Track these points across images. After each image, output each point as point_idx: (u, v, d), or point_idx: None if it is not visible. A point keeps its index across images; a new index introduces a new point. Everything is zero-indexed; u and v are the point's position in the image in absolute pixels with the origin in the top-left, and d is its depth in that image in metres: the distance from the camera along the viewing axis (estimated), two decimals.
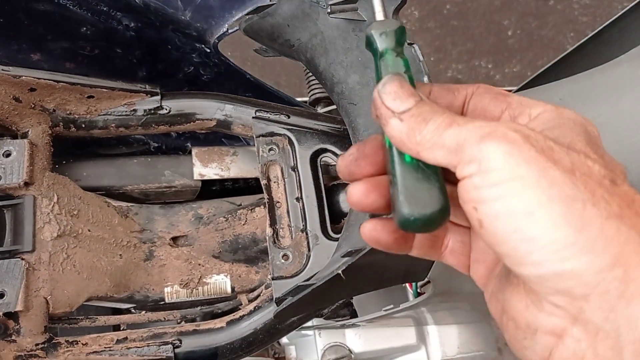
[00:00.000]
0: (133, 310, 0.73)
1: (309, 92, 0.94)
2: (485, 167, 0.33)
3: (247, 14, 0.53)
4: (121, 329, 0.77)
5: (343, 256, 0.42)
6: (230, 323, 0.62)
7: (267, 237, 0.63)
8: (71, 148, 0.76)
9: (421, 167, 0.37)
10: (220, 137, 0.87)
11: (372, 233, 0.41)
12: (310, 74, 0.92)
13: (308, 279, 0.58)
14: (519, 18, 2.07)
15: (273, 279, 0.60)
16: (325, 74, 0.52)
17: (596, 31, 0.87)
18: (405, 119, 0.37)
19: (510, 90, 1.39)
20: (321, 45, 0.51)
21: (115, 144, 0.84)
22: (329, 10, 0.48)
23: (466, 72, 1.98)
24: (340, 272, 0.42)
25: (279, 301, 0.59)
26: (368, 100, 0.49)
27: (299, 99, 0.98)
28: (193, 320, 0.74)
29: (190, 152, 0.75)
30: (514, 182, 0.33)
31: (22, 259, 0.58)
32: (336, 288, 0.46)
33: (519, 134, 0.34)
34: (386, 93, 0.38)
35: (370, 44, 0.40)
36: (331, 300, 0.55)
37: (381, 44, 0.39)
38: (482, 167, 0.33)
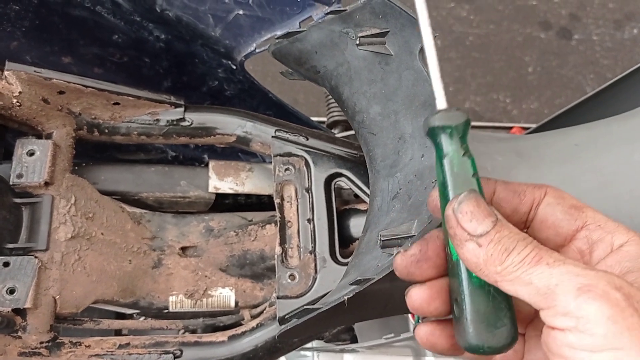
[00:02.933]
0: (136, 316, 0.74)
1: (327, 115, 0.96)
2: (583, 328, 0.32)
3: (277, 38, 0.55)
4: (122, 333, 0.78)
5: (352, 284, 0.42)
6: (231, 338, 0.63)
7: (275, 256, 0.63)
8: (90, 151, 0.78)
9: (492, 293, 0.36)
10: (237, 151, 0.89)
11: (430, 338, 0.40)
12: (331, 97, 0.93)
13: (313, 302, 0.59)
14: (540, 55, 2.08)
15: (278, 297, 0.61)
16: (348, 102, 0.53)
17: (617, 78, 0.88)
18: (484, 244, 0.35)
19: (527, 128, 1.39)
20: (346, 75, 0.52)
21: (133, 150, 0.86)
22: (357, 42, 0.50)
23: (484, 105, 1.99)
24: (346, 299, 0.42)
25: (282, 320, 0.59)
26: (387, 131, 0.50)
27: (316, 119, 0.99)
28: (194, 331, 0.74)
29: (207, 165, 0.76)
30: (615, 353, 0.32)
31: (36, 257, 0.59)
32: (341, 313, 0.47)
33: (621, 293, 0.32)
34: (462, 212, 0.36)
35: (432, 135, 0.38)
36: (335, 324, 0.55)
37: (446, 141, 0.37)
38: (579, 326, 0.32)
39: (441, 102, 0.38)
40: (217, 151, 0.88)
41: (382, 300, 0.52)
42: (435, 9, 2.10)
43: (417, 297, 0.39)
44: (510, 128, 1.50)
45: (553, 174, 0.58)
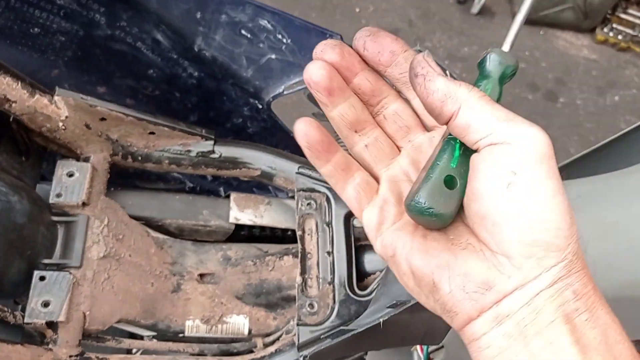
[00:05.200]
0: (147, 338, 0.76)
1: None
2: None
3: None
4: (133, 352, 0.79)
5: (389, 307, 0.46)
6: None
7: (296, 285, 0.67)
8: (113, 177, 0.81)
9: (463, 172, 0.39)
10: (252, 185, 0.93)
11: (310, 130, 0.43)
12: None
13: (332, 329, 0.62)
14: (527, 115, 2.16)
15: (298, 324, 0.64)
16: None
17: (603, 142, 0.95)
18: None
19: None
20: None
21: (154, 179, 0.89)
22: None
23: None
24: (381, 321, 0.46)
25: (301, 347, 0.62)
26: None
27: None
28: (206, 355, 0.77)
29: (227, 196, 0.80)
30: None
31: (70, 273, 0.62)
32: (367, 339, 0.50)
33: None
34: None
35: (482, 62, 0.41)
36: (358, 350, 0.59)
37: (492, 68, 0.41)
38: None
39: (507, 46, 0.42)
40: (233, 184, 0.91)
41: (401, 330, 0.55)
42: None
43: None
44: None
45: None
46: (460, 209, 0.39)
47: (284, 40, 0.72)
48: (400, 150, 0.46)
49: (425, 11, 2.41)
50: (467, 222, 0.40)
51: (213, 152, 0.73)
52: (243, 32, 0.73)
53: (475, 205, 0.38)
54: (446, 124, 0.39)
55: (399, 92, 0.46)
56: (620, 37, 2.38)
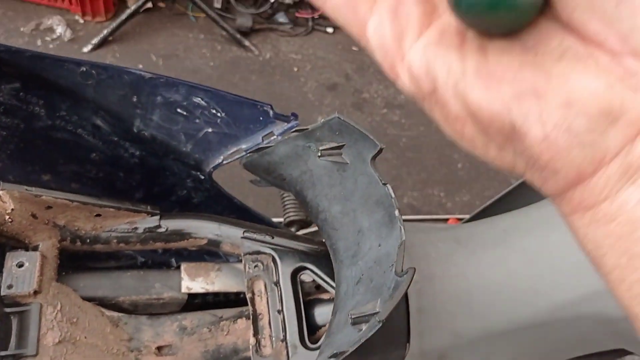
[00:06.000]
0: None
1: (284, 215, 1.05)
2: None
3: (249, 152, 0.64)
4: None
5: (330, 357, 0.49)
6: None
7: (250, 346, 0.69)
8: (64, 261, 0.83)
9: None
10: (203, 253, 0.96)
11: None
12: (287, 200, 1.03)
13: None
14: (467, 152, 2.28)
15: None
16: (312, 203, 0.63)
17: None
18: None
19: (461, 219, 1.52)
20: (310, 180, 0.62)
21: (104, 258, 0.91)
22: (319, 154, 0.60)
23: (420, 199, 2.15)
24: None
25: None
26: (347, 226, 0.60)
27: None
28: None
29: (178, 267, 0.83)
30: None
31: None
32: None
33: None
34: None
35: None
36: None
37: None
38: None
39: None
40: (184, 254, 0.94)
41: None
42: (370, 114, 2.29)
43: None
44: (447, 219, 1.64)
45: (487, 257, 0.68)
46: None
47: (219, 114, 0.77)
48: None
49: (360, 64, 2.52)
50: (558, 14, 0.25)
51: (159, 226, 0.76)
52: (179, 110, 0.77)
53: None
54: None
55: None
56: None
